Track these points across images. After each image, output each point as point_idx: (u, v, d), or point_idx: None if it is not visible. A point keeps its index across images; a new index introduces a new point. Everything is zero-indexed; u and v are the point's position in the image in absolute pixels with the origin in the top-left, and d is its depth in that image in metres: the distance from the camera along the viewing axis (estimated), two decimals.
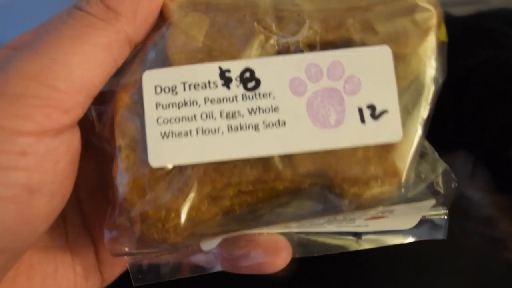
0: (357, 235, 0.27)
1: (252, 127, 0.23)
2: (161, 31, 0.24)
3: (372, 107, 0.23)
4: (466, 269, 0.38)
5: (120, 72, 0.24)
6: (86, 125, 0.25)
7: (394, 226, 0.27)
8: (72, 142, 0.22)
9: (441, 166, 0.25)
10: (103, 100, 0.25)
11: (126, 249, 0.24)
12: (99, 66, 0.22)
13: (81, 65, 0.21)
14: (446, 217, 0.26)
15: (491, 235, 0.41)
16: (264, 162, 0.23)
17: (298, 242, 0.28)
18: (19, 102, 0.20)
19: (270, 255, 0.26)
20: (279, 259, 0.26)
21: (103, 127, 0.25)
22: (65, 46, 0.21)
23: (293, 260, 0.27)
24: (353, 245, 0.27)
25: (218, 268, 0.27)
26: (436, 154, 0.25)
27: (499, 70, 0.41)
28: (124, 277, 0.28)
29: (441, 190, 0.25)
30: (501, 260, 0.41)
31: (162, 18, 0.24)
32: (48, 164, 0.21)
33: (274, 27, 0.23)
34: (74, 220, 0.28)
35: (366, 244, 0.27)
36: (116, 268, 0.28)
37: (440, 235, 0.26)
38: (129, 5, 0.22)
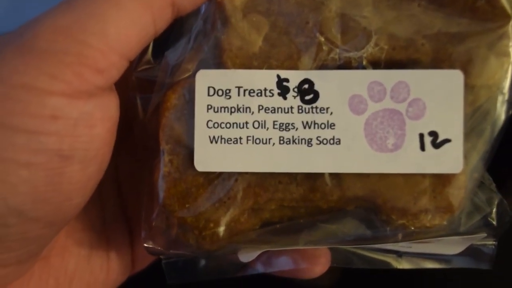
0: (398, 253, 0.28)
1: (305, 142, 0.23)
2: (216, 27, 0.24)
3: (434, 135, 0.23)
4: None
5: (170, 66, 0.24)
6: (130, 107, 0.25)
7: (438, 250, 0.27)
8: (109, 107, 0.22)
9: (497, 198, 0.25)
10: (151, 88, 0.25)
11: (161, 249, 0.25)
12: (137, 25, 0.21)
13: (117, 21, 0.21)
14: (494, 247, 0.27)
15: None
16: (311, 182, 0.23)
17: (337, 250, 0.28)
18: (48, 59, 0.20)
19: (308, 261, 0.27)
20: (317, 265, 0.27)
21: (147, 118, 0.25)
22: None
23: (336, 270, 0.28)
24: (393, 262, 0.28)
25: (257, 270, 0.28)
26: (494, 185, 0.25)
27: None
28: (153, 270, 0.29)
29: (494, 223, 0.25)
30: None
31: (218, 7, 0.24)
32: (82, 129, 0.21)
33: (338, 39, 0.23)
34: (113, 204, 0.29)
35: (406, 263, 0.28)
36: (148, 256, 0.29)
37: (486, 265, 0.27)
38: None
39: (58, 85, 0.20)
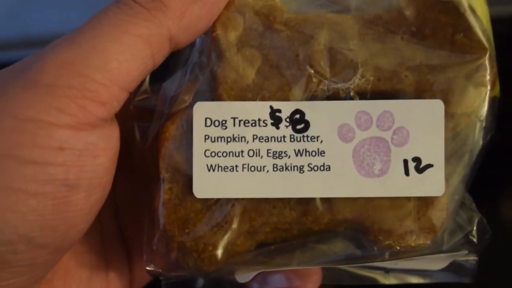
0: (386, 269, 0.30)
1: (297, 169, 0.25)
2: (211, 60, 0.25)
3: (417, 160, 0.25)
4: None
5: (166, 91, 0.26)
6: (127, 135, 0.27)
7: (423, 266, 0.29)
8: (110, 137, 0.23)
9: (477, 217, 0.27)
10: (148, 117, 0.27)
11: (162, 271, 0.26)
12: (137, 59, 0.22)
13: (118, 56, 0.22)
14: (475, 262, 0.28)
15: None
16: (304, 206, 0.25)
17: (328, 268, 0.30)
18: (54, 93, 0.21)
19: (301, 279, 0.29)
20: (309, 283, 0.29)
21: (147, 146, 0.27)
22: (103, 35, 0.22)
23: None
24: (380, 278, 0.30)
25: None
26: (474, 205, 0.27)
27: None
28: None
29: (475, 240, 0.27)
30: None
31: (213, 42, 0.26)
32: (86, 159, 0.22)
33: (327, 72, 0.25)
34: (110, 227, 0.30)
35: (393, 279, 0.30)
36: (145, 277, 0.31)
37: (468, 280, 0.29)
38: (179, 2, 0.23)
39: (64, 118, 0.21)
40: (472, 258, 0.28)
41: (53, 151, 0.21)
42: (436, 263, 0.28)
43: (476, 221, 0.27)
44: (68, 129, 0.22)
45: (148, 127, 0.27)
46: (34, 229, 0.22)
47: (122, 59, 0.22)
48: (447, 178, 0.25)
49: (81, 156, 0.22)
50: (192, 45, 0.26)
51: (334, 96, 0.25)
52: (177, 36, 0.24)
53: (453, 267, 0.28)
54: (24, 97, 0.21)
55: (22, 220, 0.22)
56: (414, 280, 0.30)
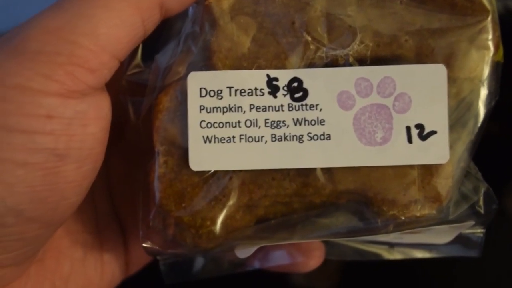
0: (390, 244, 0.29)
1: (296, 138, 0.24)
2: (204, 30, 0.25)
3: (420, 127, 0.24)
4: None
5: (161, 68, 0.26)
6: (121, 111, 0.26)
7: (428, 240, 0.28)
8: (101, 107, 0.23)
9: (483, 186, 0.26)
10: (141, 92, 0.26)
11: (159, 249, 0.26)
12: (126, 25, 0.22)
13: (107, 22, 0.21)
14: (483, 235, 0.28)
15: None
16: (304, 177, 0.25)
17: (331, 244, 0.30)
18: (41, 59, 0.21)
19: (303, 255, 0.28)
20: (312, 259, 0.29)
21: (140, 120, 0.26)
22: (91, 0, 0.22)
23: (338, 271, 0.29)
24: (385, 254, 0.29)
25: (254, 266, 0.29)
26: (480, 174, 0.27)
27: None
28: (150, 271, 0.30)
29: (482, 211, 0.26)
30: None
31: (206, 10, 0.25)
32: (76, 128, 0.22)
33: (325, 38, 0.24)
34: (105, 207, 0.30)
35: (398, 254, 0.29)
36: (142, 258, 0.30)
37: (475, 253, 0.28)
38: None
39: (52, 85, 0.21)
40: (479, 230, 0.28)
41: (41, 119, 0.21)
42: (442, 236, 0.28)
43: (482, 191, 0.26)
44: (56, 96, 0.21)
45: (141, 102, 0.26)
46: (23, 202, 0.22)
47: (111, 24, 0.22)
48: (452, 145, 0.25)
49: (70, 125, 0.22)
50: (184, 16, 0.26)
51: (332, 63, 0.25)
52: (167, 2, 0.23)
53: (460, 240, 0.28)
54: (10, 64, 0.21)
55: (10, 191, 0.21)
56: (420, 254, 0.29)
